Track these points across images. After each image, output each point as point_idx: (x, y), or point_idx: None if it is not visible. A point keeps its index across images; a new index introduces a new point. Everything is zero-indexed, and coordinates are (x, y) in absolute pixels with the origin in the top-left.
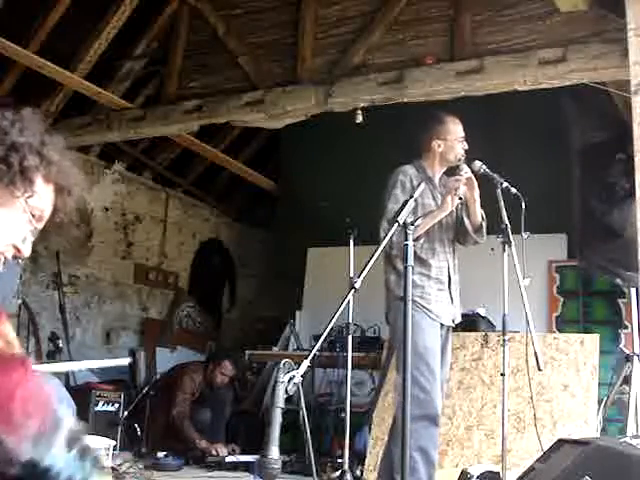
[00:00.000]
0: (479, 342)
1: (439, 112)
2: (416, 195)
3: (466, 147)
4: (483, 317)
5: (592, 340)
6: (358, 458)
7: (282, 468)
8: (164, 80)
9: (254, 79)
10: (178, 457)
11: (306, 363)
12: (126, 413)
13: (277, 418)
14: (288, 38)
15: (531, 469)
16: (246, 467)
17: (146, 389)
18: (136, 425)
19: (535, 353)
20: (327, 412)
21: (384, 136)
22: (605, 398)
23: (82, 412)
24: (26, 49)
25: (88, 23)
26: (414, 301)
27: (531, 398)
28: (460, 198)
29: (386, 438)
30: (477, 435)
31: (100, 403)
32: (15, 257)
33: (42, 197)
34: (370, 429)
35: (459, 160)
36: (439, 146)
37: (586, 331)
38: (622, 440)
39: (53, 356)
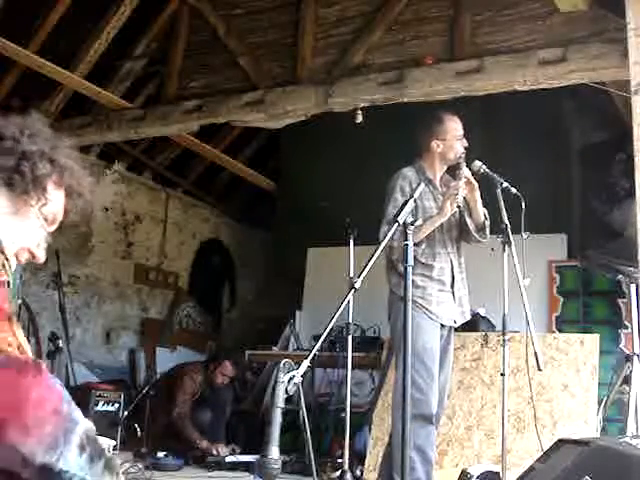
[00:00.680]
0: (479, 342)
1: (437, 112)
2: (416, 195)
3: (466, 145)
4: (483, 317)
5: (592, 340)
6: (358, 458)
7: (282, 468)
8: (164, 80)
9: (254, 79)
10: (178, 457)
11: (306, 363)
12: (126, 413)
13: (277, 418)
14: (288, 38)
15: (531, 469)
16: (246, 467)
17: (146, 389)
18: (136, 425)
19: (535, 353)
20: (327, 412)
21: (384, 136)
22: (605, 398)
23: (82, 412)
24: (26, 49)
25: (88, 23)
26: (415, 302)
27: (531, 398)
28: (459, 206)
29: (386, 438)
30: (477, 435)
31: (100, 403)
32: (30, 262)
33: (54, 202)
34: (370, 429)
35: (459, 158)
36: (438, 146)
37: (586, 331)
38: (622, 440)
39: (53, 356)
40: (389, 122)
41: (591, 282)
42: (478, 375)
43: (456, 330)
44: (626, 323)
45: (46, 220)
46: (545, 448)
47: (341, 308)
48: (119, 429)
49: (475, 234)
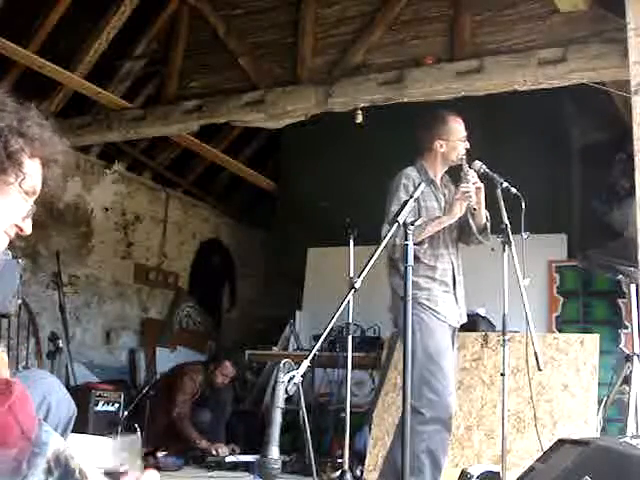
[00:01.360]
0: (479, 342)
1: (441, 112)
2: (416, 195)
3: (468, 146)
4: (483, 317)
5: (592, 340)
6: (358, 458)
7: (282, 468)
8: (164, 80)
9: (254, 79)
10: (178, 457)
11: (306, 363)
12: (126, 413)
13: (277, 418)
14: (288, 38)
15: (531, 469)
16: (246, 467)
17: (146, 389)
18: (136, 425)
19: (535, 353)
20: (327, 412)
21: (384, 136)
22: (605, 398)
23: (82, 412)
24: (26, 49)
25: (88, 23)
26: (421, 303)
27: (531, 398)
28: (475, 209)
29: (386, 438)
30: (477, 435)
31: (100, 403)
32: (19, 235)
33: (32, 175)
34: (370, 429)
35: (460, 160)
36: (441, 146)
37: (586, 331)
38: (622, 440)
39: (53, 356)
40: (389, 122)
41: (591, 282)
42: (478, 375)
43: None
44: (626, 323)
45: (27, 193)
46: (545, 448)
47: (341, 308)
48: (119, 429)
49: (478, 236)
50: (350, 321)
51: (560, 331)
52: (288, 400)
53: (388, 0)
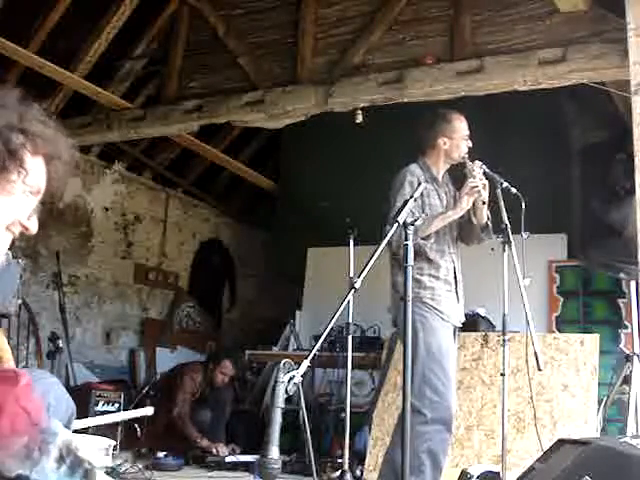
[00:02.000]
0: (479, 342)
1: (445, 110)
2: (416, 195)
3: (470, 145)
4: (483, 317)
5: (592, 340)
6: (358, 458)
7: (282, 468)
8: (164, 80)
9: (254, 79)
10: (178, 457)
11: (306, 363)
12: None
13: (277, 418)
14: (288, 38)
15: (531, 469)
16: (246, 467)
17: (146, 389)
18: (136, 425)
19: (535, 353)
20: (327, 412)
21: (384, 136)
22: (605, 398)
23: (82, 412)
24: (26, 49)
25: (88, 23)
26: (425, 302)
27: (531, 398)
28: (484, 203)
29: (386, 438)
30: (477, 435)
31: (100, 403)
32: (23, 234)
33: (35, 172)
34: (370, 429)
35: (462, 158)
36: (445, 144)
37: (586, 331)
38: (622, 440)
39: (53, 356)
40: (389, 122)
41: (591, 282)
42: (478, 375)
43: None
44: (626, 323)
45: (31, 192)
46: (545, 448)
47: (341, 308)
48: (119, 429)
49: (481, 234)
50: (350, 321)
51: (560, 331)
52: (288, 400)
53: (388, 0)
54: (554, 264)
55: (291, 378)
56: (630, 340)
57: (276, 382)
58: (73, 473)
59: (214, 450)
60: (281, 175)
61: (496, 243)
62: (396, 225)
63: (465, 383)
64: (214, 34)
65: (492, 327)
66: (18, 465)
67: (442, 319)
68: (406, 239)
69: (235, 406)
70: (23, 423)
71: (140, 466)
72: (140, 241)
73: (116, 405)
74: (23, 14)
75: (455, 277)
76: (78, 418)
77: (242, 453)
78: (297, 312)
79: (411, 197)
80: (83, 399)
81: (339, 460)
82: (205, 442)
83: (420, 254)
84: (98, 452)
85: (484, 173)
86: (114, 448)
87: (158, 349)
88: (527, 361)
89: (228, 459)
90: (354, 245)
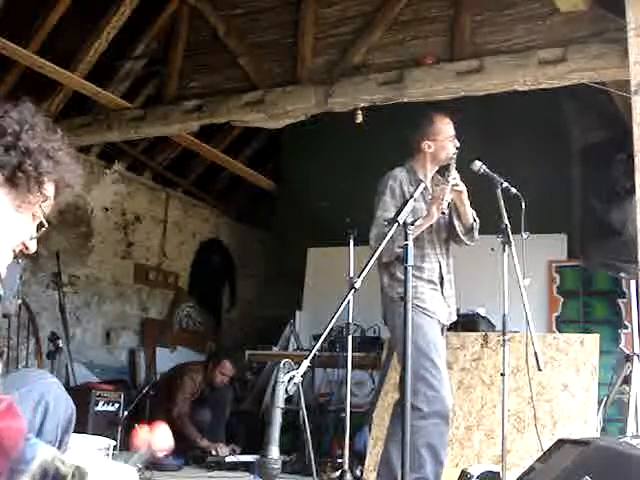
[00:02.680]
0: (479, 342)
1: (428, 112)
2: (416, 195)
3: (457, 145)
4: (483, 317)
5: (592, 340)
6: (358, 458)
7: (282, 468)
8: (164, 80)
9: (254, 79)
10: (178, 457)
11: (306, 363)
12: (126, 413)
13: (277, 418)
14: (288, 38)
15: (531, 469)
16: (246, 467)
17: (146, 389)
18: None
19: (535, 353)
20: (327, 412)
21: (384, 136)
22: (605, 398)
23: (82, 412)
24: (26, 49)
25: (88, 23)
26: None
27: (531, 398)
28: (448, 206)
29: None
30: (477, 435)
31: (100, 403)
32: (22, 252)
33: (50, 198)
34: (370, 429)
35: (451, 159)
36: (429, 147)
37: (586, 331)
38: (622, 440)
39: (53, 356)
40: (389, 122)
41: (591, 282)
42: (478, 375)
43: (456, 330)
44: (626, 323)
45: (37, 214)
46: (545, 448)
47: (341, 308)
48: (119, 429)
49: (463, 237)
50: (350, 321)
51: (560, 331)
52: (288, 400)
53: (388, 0)
54: (554, 264)
55: (291, 378)
56: (630, 340)
57: (276, 382)
58: None
59: (214, 450)
60: (281, 175)
61: (496, 243)
62: (396, 225)
63: (465, 383)
64: (214, 34)
65: (492, 327)
66: None
67: (427, 315)
68: (406, 239)
69: (235, 406)
70: None
71: (140, 466)
72: (140, 241)
73: (116, 405)
74: (23, 14)
75: (441, 277)
76: (78, 418)
77: (242, 453)
78: (297, 312)
79: (411, 197)
80: (83, 399)
81: (339, 460)
82: (205, 442)
83: (402, 259)
84: (98, 452)
85: (484, 173)
86: (114, 448)
87: (158, 349)
88: (527, 361)
89: (228, 459)
90: (354, 245)
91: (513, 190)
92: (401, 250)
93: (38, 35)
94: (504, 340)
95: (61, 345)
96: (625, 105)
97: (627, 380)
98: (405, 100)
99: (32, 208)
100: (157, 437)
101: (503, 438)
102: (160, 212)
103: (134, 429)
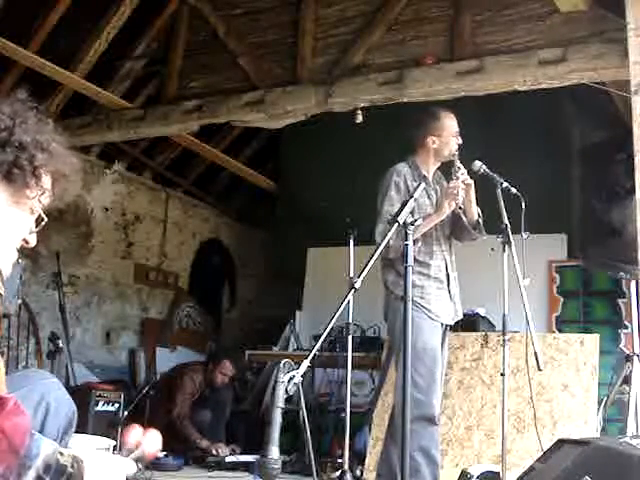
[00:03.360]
0: (479, 342)
1: (433, 108)
2: (416, 195)
3: (460, 142)
4: (483, 317)
5: (592, 340)
6: (358, 458)
7: (282, 468)
8: (164, 80)
9: (254, 79)
10: (178, 457)
11: (306, 363)
12: (126, 413)
13: (277, 418)
14: (288, 38)
15: (531, 469)
16: (246, 467)
17: (146, 389)
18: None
19: (535, 353)
20: (327, 412)
21: (384, 136)
22: (605, 398)
23: (82, 412)
24: (26, 49)
25: (88, 23)
26: (414, 301)
27: (531, 398)
28: (460, 208)
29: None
30: (477, 435)
31: (100, 403)
32: (23, 248)
33: (48, 190)
34: (370, 429)
35: (453, 156)
36: (434, 142)
37: (586, 331)
38: (622, 440)
39: (53, 356)
40: (389, 122)
41: (591, 282)
42: (478, 375)
43: (456, 330)
44: (626, 323)
45: (36, 208)
46: (545, 448)
47: (341, 308)
48: (119, 429)
49: (471, 231)
50: (350, 321)
51: (560, 331)
52: (288, 400)
53: (388, 0)
54: (554, 264)
55: (291, 378)
56: (630, 340)
57: (276, 382)
58: None
59: (214, 450)
60: (281, 175)
61: (496, 243)
62: (396, 225)
63: (465, 383)
64: (214, 34)
65: (492, 327)
66: None
67: (430, 318)
68: (406, 239)
69: (235, 406)
70: (2, 451)
71: (140, 466)
72: (140, 241)
73: (116, 405)
74: (23, 14)
75: (447, 274)
76: (78, 418)
77: (242, 453)
78: (297, 312)
79: (411, 197)
80: (83, 399)
81: (339, 460)
82: (205, 442)
83: None
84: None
85: (484, 173)
86: (114, 448)
87: (158, 349)
88: (527, 361)
89: (228, 459)
90: (354, 245)
91: (513, 190)
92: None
93: (38, 35)
94: (504, 340)
95: (61, 345)
96: (625, 105)
97: (627, 380)
98: (405, 100)
99: (30, 202)
100: (148, 440)
101: (503, 438)
102: (160, 212)
103: (127, 429)
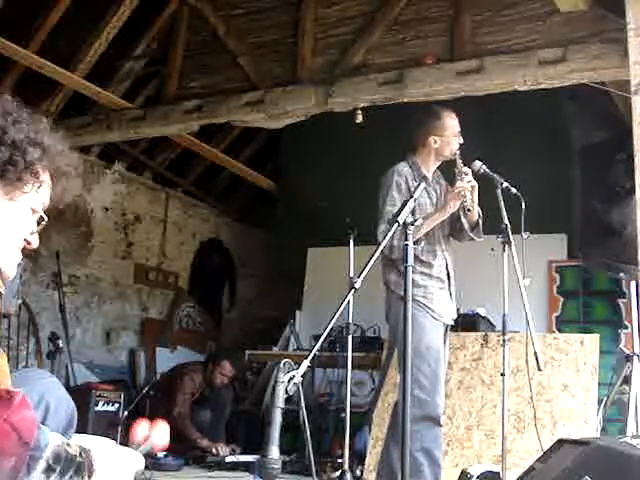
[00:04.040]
0: (479, 342)
1: (435, 107)
2: (416, 195)
3: (461, 141)
4: (483, 317)
5: (592, 340)
6: (358, 458)
7: (282, 468)
8: (164, 80)
9: (254, 79)
10: (178, 457)
11: (306, 363)
12: (126, 413)
13: (277, 418)
14: (288, 38)
15: (531, 469)
16: (246, 467)
17: (146, 389)
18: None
19: (535, 353)
20: (327, 412)
21: (384, 136)
22: (605, 398)
23: (82, 412)
24: (26, 49)
25: (88, 23)
26: (417, 301)
27: (531, 398)
28: (469, 210)
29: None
30: (477, 435)
31: (100, 403)
32: (25, 249)
33: (45, 186)
34: (370, 429)
35: (454, 155)
36: (435, 142)
37: (586, 331)
38: (622, 440)
39: (53, 356)
40: (389, 122)
41: (591, 282)
42: (478, 375)
43: (455, 330)
44: (626, 323)
45: (37, 206)
46: (545, 448)
47: (341, 308)
48: (119, 429)
49: (470, 233)
50: (350, 321)
51: (560, 331)
52: (288, 400)
53: (388, 0)
54: (554, 264)
55: (291, 378)
56: (630, 340)
57: (276, 382)
58: (63, 476)
59: (214, 450)
60: (281, 175)
61: (496, 243)
62: (395, 225)
63: (465, 383)
64: (214, 34)
65: (492, 327)
66: None
67: (433, 318)
68: (406, 239)
69: (235, 406)
70: (12, 444)
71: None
72: (140, 241)
73: (116, 405)
74: (23, 14)
75: (448, 274)
76: (78, 418)
77: (242, 453)
78: (297, 312)
79: (411, 197)
80: (83, 399)
81: (339, 460)
82: (205, 442)
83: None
84: None
85: (484, 173)
86: None
87: (158, 349)
88: (527, 361)
89: (228, 459)
90: (354, 245)
91: (513, 190)
92: (414, 246)
93: (38, 35)
94: (504, 340)
95: (61, 345)
96: (625, 105)
97: (627, 380)
98: (405, 100)
99: (30, 202)
100: (156, 434)
101: (503, 438)
102: (160, 212)
103: (133, 424)
